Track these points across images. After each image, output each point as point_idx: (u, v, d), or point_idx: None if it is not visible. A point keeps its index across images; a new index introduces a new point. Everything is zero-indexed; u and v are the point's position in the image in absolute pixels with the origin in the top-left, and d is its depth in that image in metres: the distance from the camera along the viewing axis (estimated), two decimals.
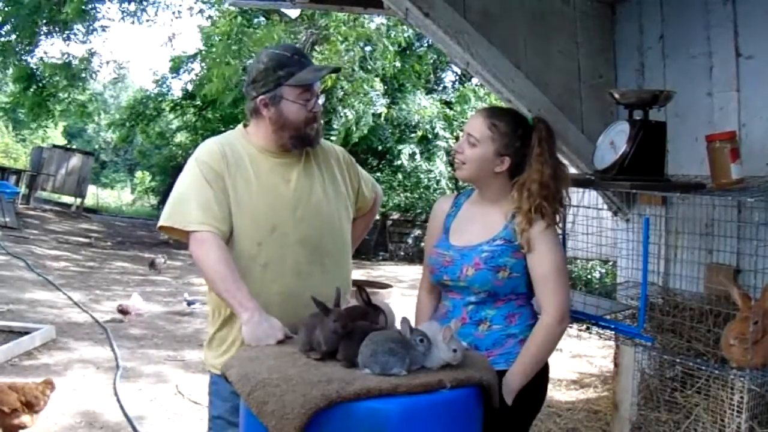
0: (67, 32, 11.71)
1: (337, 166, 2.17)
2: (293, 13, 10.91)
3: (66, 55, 12.44)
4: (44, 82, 12.64)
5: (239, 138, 2.07)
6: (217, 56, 9.85)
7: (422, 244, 13.00)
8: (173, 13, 13.25)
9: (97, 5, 11.47)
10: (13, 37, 11.57)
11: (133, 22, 12.38)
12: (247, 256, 1.96)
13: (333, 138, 10.39)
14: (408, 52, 12.23)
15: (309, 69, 1.99)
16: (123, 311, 6.13)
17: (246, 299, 1.85)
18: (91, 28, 11.84)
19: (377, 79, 10.88)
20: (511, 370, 1.88)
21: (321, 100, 2.05)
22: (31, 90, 12.71)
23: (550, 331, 1.89)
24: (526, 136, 1.99)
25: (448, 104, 13.13)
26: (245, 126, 2.11)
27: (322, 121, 2.13)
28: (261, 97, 1.99)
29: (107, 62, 14.33)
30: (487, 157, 1.98)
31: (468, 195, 2.13)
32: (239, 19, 10.25)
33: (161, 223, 1.97)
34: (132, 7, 11.81)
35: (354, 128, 10.75)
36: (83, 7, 11.00)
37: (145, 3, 11.87)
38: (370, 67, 10.88)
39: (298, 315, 1.81)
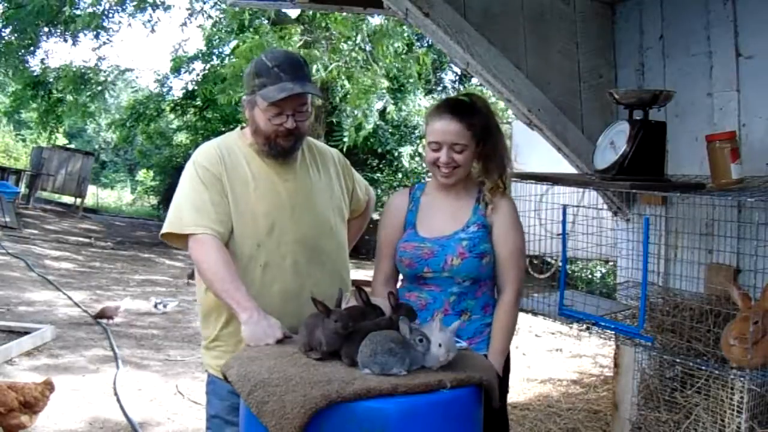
0: (68, 33, 11.65)
1: (332, 168, 2.19)
2: (293, 13, 10.89)
3: (72, 62, 12.31)
4: (50, 87, 12.57)
5: (237, 140, 2.08)
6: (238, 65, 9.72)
7: None
8: (183, 23, 13.12)
9: (107, 15, 11.38)
10: (15, 39, 11.52)
11: (148, 36, 12.29)
12: (247, 257, 1.97)
13: (345, 138, 10.32)
14: (408, 52, 12.20)
15: (280, 86, 1.91)
16: (103, 314, 5.96)
17: (244, 299, 1.85)
18: (103, 40, 11.73)
19: (383, 79, 10.82)
20: (494, 348, 2.02)
21: (304, 116, 1.99)
22: (38, 95, 12.64)
23: (514, 307, 2.06)
24: (483, 114, 2.07)
25: None
26: (242, 128, 2.13)
27: (311, 132, 2.13)
28: (244, 97, 2.02)
29: (122, 71, 14.21)
30: (473, 154, 2.06)
31: (421, 188, 2.18)
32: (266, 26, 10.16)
33: (162, 231, 1.99)
34: (145, 17, 11.68)
35: (364, 125, 10.68)
36: (95, 21, 10.92)
37: (155, 9, 11.77)
38: (370, 67, 10.85)
39: (299, 315, 1.82)
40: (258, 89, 1.94)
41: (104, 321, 5.93)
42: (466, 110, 2.04)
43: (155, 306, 6.71)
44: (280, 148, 2.00)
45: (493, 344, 2.02)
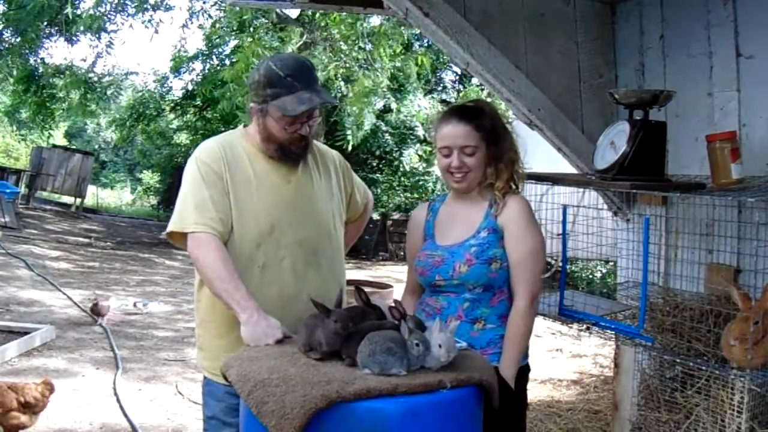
0: (68, 33, 11.62)
1: (333, 170, 2.19)
2: (293, 13, 10.88)
3: (72, 61, 12.24)
4: (44, 83, 12.54)
5: (239, 138, 2.07)
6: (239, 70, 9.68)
7: None
8: (183, 25, 13.07)
9: (109, 16, 11.33)
10: (17, 40, 11.48)
11: (151, 39, 12.15)
12: (246, 257, 1.97)
13: (348, 136, 10.30)
14: (408, 52, 12.19)
15: (295, 96, 1.92)
16: (97, 313, 5.97)
17: (244, 299, 1.85)
18: (105, 42, 11.67)
19: (384, 78, 10.81)
20: (505, 359, 1.94)
21: (315, 121, 2.01)
22: (32, 91, 12.61)
23: (527, 314, 1.96)
24: (489, 115, 2.07)
25: (448, 104, 13.11)
26: (245, 126, 2.12)
27: (317, 134, 2.13)
28: (252, 105, 2.01)
29: (126, 74, 14.15)
30: (484, 156, 2.04)
31: (442, 200, 2.19)
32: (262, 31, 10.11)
33: (167, 230, 1.99)
34: (146, 16, 11.62)
35: (364, 125, 10.66)
36: (96, 23, 10.88)
37: (156, 9, 11.73)
38: (370, 67, 10.84)
39: (296, 316, 1.82)
40: (271, 99, 1.93)
41: (99, 319, 5.96)
42: (473, 113, 2.04)
43: (134, 305, 6.72)
44: (293, 155, 2.02)
45: (504, 354, 1.95)
